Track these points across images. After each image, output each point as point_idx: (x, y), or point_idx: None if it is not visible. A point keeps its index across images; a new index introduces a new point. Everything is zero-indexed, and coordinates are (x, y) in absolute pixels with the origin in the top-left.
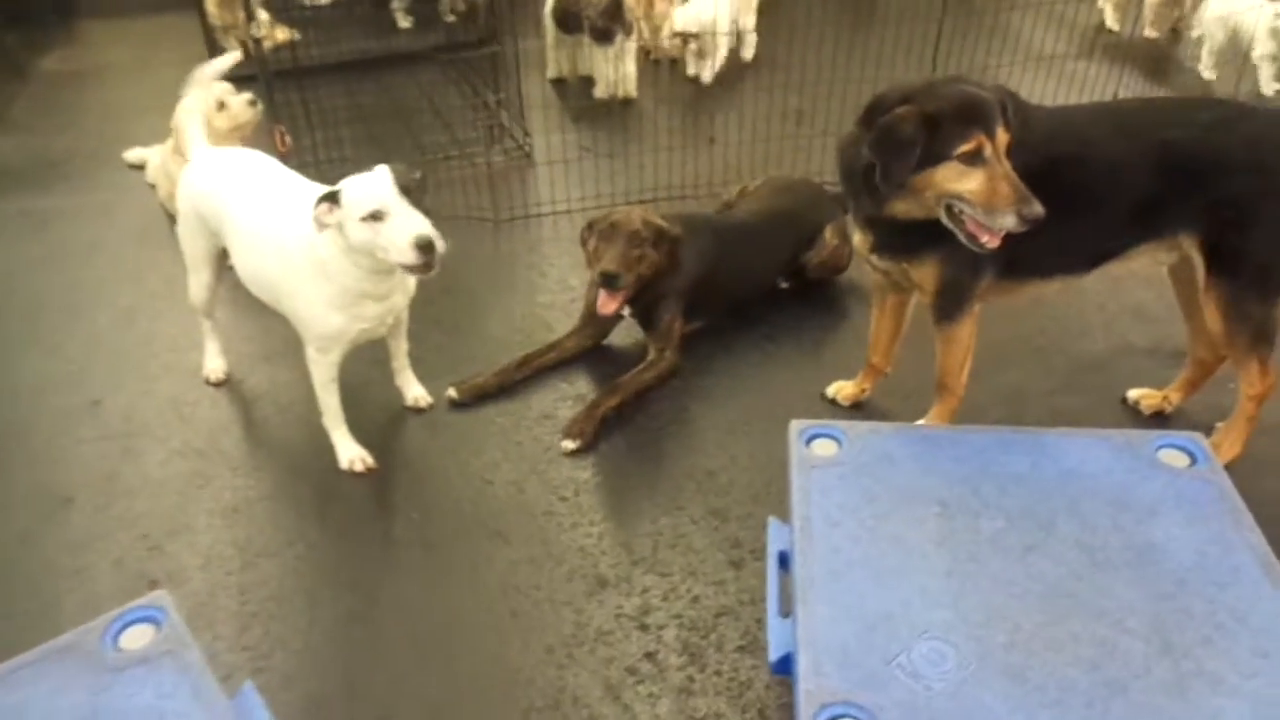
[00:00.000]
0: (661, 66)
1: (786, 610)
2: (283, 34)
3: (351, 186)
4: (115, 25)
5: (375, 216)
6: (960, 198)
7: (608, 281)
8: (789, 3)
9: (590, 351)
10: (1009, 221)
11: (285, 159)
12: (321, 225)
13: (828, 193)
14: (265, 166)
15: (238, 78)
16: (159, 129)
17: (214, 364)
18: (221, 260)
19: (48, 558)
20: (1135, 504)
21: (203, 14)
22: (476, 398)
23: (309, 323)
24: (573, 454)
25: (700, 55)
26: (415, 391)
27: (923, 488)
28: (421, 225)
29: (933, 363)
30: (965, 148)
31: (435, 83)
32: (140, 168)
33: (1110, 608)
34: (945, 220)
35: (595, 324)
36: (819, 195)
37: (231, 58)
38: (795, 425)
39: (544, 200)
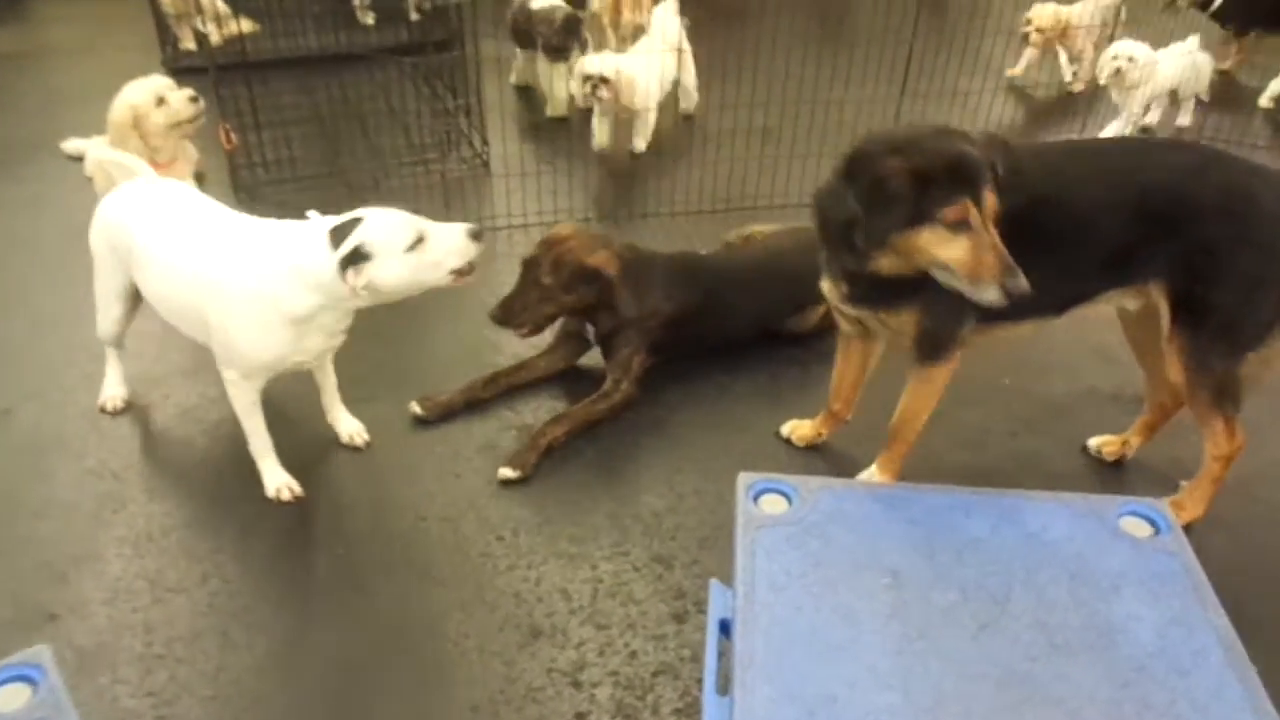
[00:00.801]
0: None
1: (724, 687)
2: (245, 25)
3: (374, 235)
4: (66, 5)
5: (419, 241)
6: (943, 265)
7: (495, 319)
8: (755, 18)
9: (563, 374)
10: (991, 295)
11: (231, 156)
12: (355, 290)
13: None
14: (185, 198)
15: (186, 69)
16: (102, 119)
17: (114, 391)
18: (135, 295)
19: None
20: (1096, 578)
21: (154, 0)
22: (441, 415)
23: (242, 352)
24: (510, 483)
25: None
26: (350, 427)
27: (874, 553)
28: (461, 225)
29: (893, 409)
30: (951, 214)
31: (394, 83)
32: (79, 159)
33: (1067, 695)
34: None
35: (567, 346)
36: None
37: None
38: (744, 479)
39: (499, 213)
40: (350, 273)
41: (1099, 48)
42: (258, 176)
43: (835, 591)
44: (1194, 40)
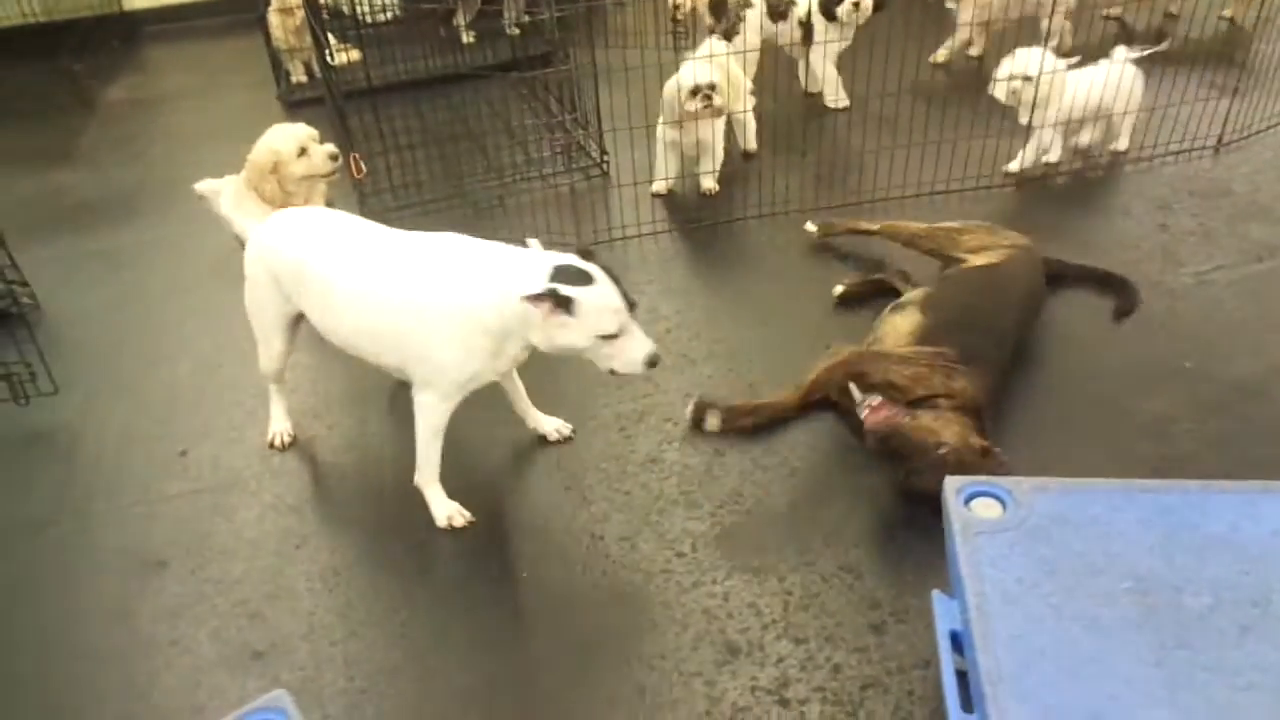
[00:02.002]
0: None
1: (968, 704)
2: (351, 55)
3: (591, 303)
4: (180, 51)
5: (615, 335)
6: None
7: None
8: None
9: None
10: None
11: (360, 184)
12: (545, 326)
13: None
14: (351, 223)
15: (300, 101)
16: (229, 158)
17: (280, 427)
18: (296, 325)
19: (141, 628)
20: None
21: (267, 38)
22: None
23: (446, 370)
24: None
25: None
26: (551, 424)
27: (1109, 556)
28: (650, 345)
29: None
30: None
31: (506, 100)
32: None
33: None
34: None
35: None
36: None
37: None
38: (952, 482)
39: (627, 222)
40: (545, 307)
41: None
42: (385, 203)
43: (1074, 599)
44: (1121, 52)
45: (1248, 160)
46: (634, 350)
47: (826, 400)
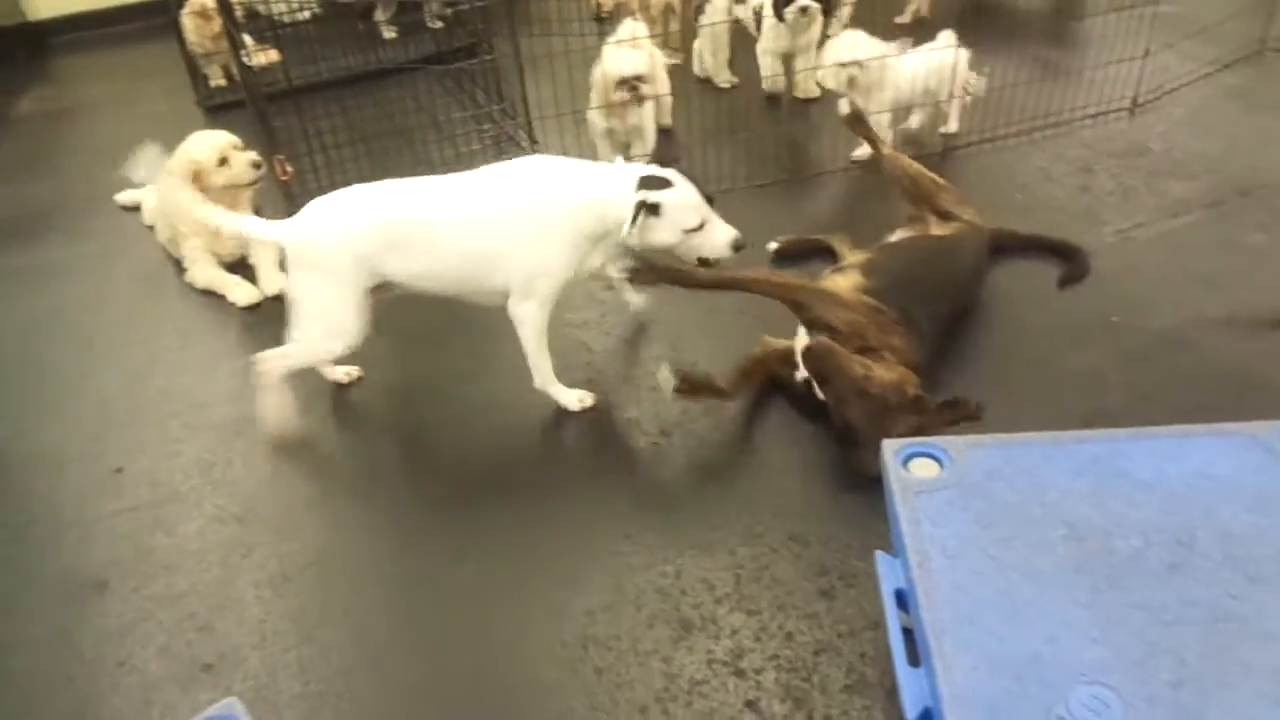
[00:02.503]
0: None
1: (915, 659)
2: (269, 56)
3: (674, 204)
4: (91, 60)
5: (699, 227)
6: None
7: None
8: None
9: None
10: None
11: (287, 186)
12: (640, 229)
13: None
14: (394, 184)
15: (220, 106)
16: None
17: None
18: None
19: (86, 651)
20: (1276, 506)
21: (182, 42)
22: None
23: (553, 274)
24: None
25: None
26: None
27: (1043, 507)
28: (733, 232)
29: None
30: None
31: (432, 94)
32: (135, 209)
33: (1277, 629)
34: None
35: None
36: None
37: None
38: (890, 445)
39: None
40: (641, 219)
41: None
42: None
43: (1012, 550)
44: (947, 36)
45: (1162, 119)
46: (718, 237)
47: (772, 381)
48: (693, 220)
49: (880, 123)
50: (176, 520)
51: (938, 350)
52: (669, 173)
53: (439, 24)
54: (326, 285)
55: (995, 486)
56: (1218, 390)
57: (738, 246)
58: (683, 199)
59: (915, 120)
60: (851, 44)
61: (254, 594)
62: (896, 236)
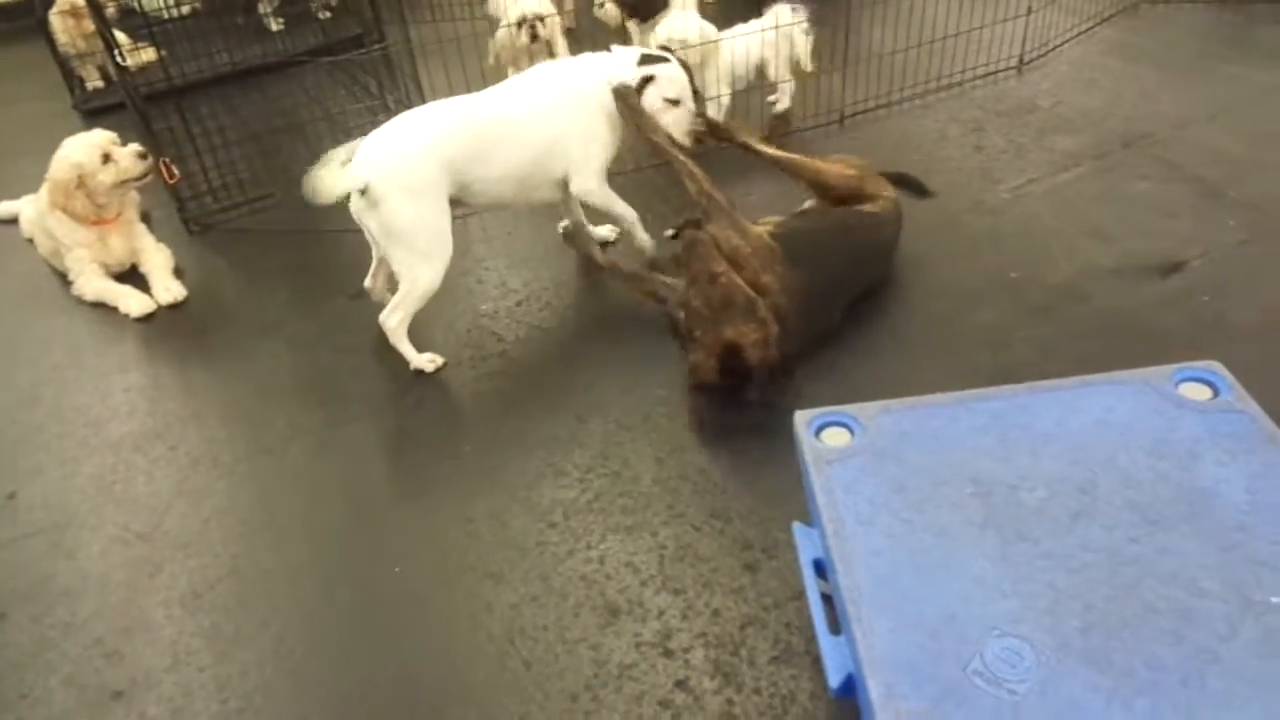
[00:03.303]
0: None
1: (836, 627)
2: (147, 54)
3: (666, 74)
4: None
5: (673, 102)
6: None
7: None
8: None
9: None
10: None
11: (176, 189)
12: (631, 85)
13: None
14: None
15: (99, 109)
16: (27, 175)
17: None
18: None
19: None
20: (1172, 449)
21: (52, 43)
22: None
23: (604, 145)
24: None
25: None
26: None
27: (952, 465)
28: (697, 122)
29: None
30: None
31: (323, 86)
32: (12, 222)
33: (1177, 569)
34: None
35: None
36: None
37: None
38: (801, 416)
39: None
40: (642, 76)
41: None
42: (206, 206)
43: (923, 511)
44: (781, 12)
45: (1048, 76)
46: (684, 121)
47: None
48: (672, 92)
49: (721, 105)
50: (76, 543)
51: (827, 323)
52: (664, 54)
53: (327, 14)
54: (422, 202)
55: (905, 450)
56: (1114, 338)
57: (697, 138)
58: (674, 73)
59: (783, 101)
60: (681, 24)
61: (164, 614)
62: (808, 205)
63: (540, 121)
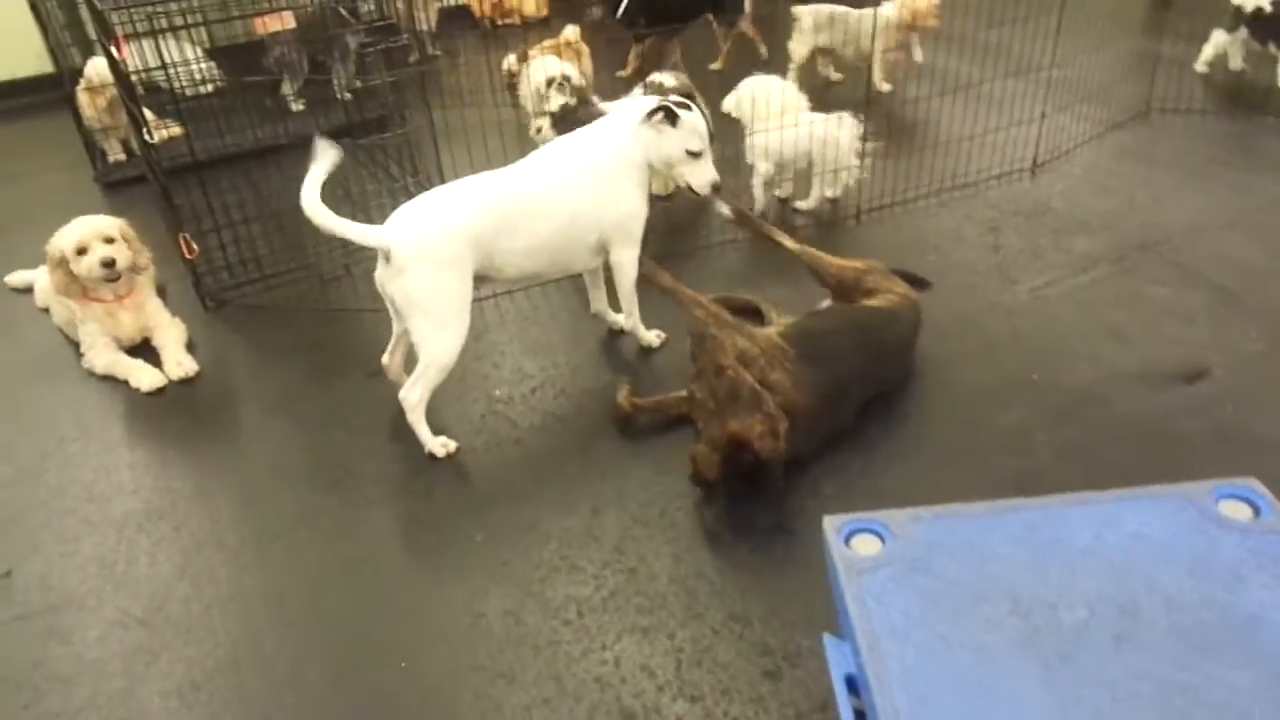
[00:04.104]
0: None
1: None
2: (172, 130)
3: (690, 122)
4: None
5: (693, 155)
6: None
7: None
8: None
9: None
10: None
11: (194, 264)
12: (658, 140)
13: None
14: (476, 178)
15: (120, 181)
16: (41, 246)
17: (441, 441)
18: None
19: None
20: (1215, 571)
21: (78, 117)
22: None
23: (634, 215)
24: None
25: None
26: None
27: (987, 579)
28: (716, 175)
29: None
30: None
31: (344, 167)
32: (28, 291)
33: (1229, 699)
34: None
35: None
36: None
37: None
38: (831, 522)
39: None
40: (660, 116)
41: None
42: (223, 281)
43: (960, 628)
44: (844, 117)
45: (1062, 178)
46: (705, 173)
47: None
48: (696, 144)
49: (760, 173)
50: (73, 627)
51: (865, 413)
52: (686, 102)
53: (348, 96)
54: (444, 276)
55: (938, 561)
56: (1138, 445)
57: (716, 188)
58: (696, 121)
59: (830, 190)
60: (764, 83)
61: (160, 705)
62: (825, 305)
63: (565, 194)
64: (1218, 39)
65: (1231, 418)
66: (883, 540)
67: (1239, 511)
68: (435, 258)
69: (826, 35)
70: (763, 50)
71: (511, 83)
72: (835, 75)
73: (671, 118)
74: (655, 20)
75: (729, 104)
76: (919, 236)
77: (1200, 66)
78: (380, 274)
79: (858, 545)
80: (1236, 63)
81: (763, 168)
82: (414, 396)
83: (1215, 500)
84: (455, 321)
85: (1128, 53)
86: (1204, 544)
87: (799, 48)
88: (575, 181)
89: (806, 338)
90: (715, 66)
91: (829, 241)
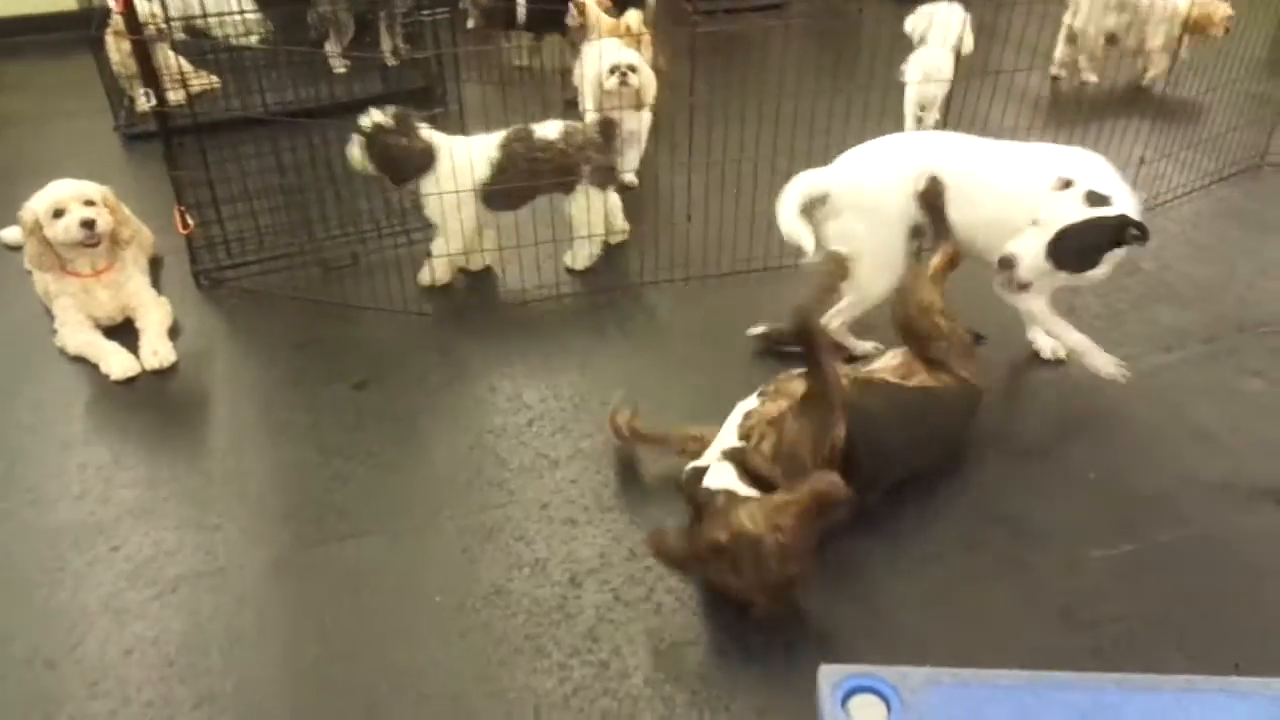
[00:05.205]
0: None
1: None
2: (201, 81)
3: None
4: (11, 70)
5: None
6: None
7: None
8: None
9: None
10: None
11: (189, 239)
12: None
13: None
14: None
15: (142, 134)
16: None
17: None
18: None
19: None
20: None
21: (101, 61)
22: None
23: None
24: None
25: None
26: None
27: None
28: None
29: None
30: None
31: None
32: (18, 249)
33: None
34: None
35: None
36: None
37: None
38: (827, 675)
39: (497, 289)
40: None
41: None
42: (219, 259)
43: None
44: None
45: (1155, 235)
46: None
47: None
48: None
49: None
50: None
51: (906, 505)
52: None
53: (395, 61)
54: (878, 227)
55: None
56: (1214, 576)
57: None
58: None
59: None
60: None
61: None
62: (881, 363)
63: (1010, 203)
64: None
65: None
66: (889, 706)
67: None
68: (869, 210)
69: (1114, 17)
70: None
71: (575, 34)
72: (1092, 78)
73: (1137, 239)
74: None
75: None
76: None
77: None
78: (821, 211)
79: (857, 709)
80: None
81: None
82: (834, 323)
83: None
84: (880, 271)
85: (1245, 96)
86: None
87: (1086, 28)
88: (1019, 200)
89: (856, 424)
90: None
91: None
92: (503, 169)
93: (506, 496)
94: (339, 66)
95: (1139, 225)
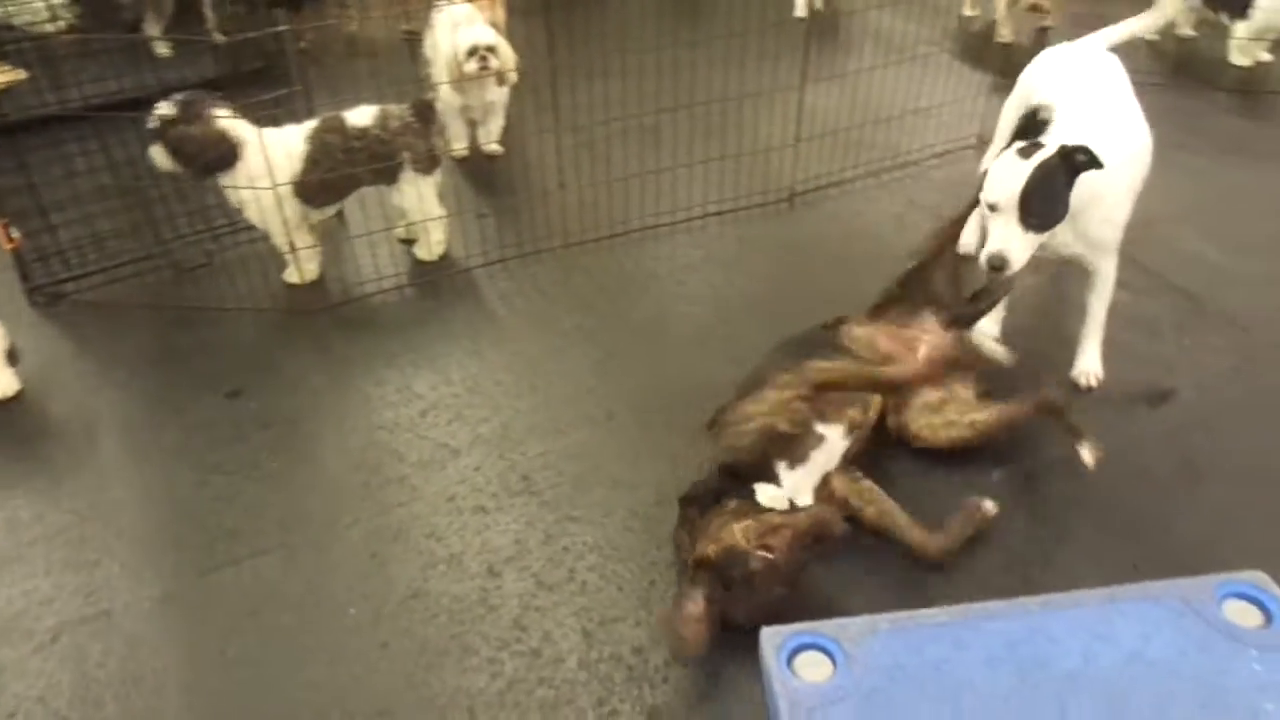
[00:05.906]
0: None
1: None
2: (12, 75)
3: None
4: None
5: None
6: None
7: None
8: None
9: None
10: None
11: (17, 254)
12: None
13: None
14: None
15: None
16: None
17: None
18: None
19: None
20: (1231, 701)
21: None
22: None
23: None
24: None
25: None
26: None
27: (960, 715)
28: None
29: None
30: None
31: None
32: None
33: None
34: None
35: None
36: None
37: None
38: (770, 638)
39: (366, 276)
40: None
41: None
42: (54, 272)
43: None
44: None
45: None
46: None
47: None
48: None
49: None
50: None
51: None
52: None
53: (222, 38)
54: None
55: (901, 692)
56: (1106, 486)
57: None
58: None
59: None
60: None
61: None
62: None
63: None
64: (1166, 3)
65: (1202, 446)
66: (834, 661)
67: (1247, 617)
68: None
69: None
70: None
71: (408, 37)
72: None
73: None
74: None
75: None
76: (856, 222)
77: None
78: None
79: (803, 667)
80: (1186, 31)
81: None
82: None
83: (1219, 601)
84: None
85: (1067, 14)
86: (1213, 665)
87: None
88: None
89: None
90: None
91: (757, 226)
92: (315, 161)
93: (409, 493)
94: (163, 49)
95: (1083, 150)
